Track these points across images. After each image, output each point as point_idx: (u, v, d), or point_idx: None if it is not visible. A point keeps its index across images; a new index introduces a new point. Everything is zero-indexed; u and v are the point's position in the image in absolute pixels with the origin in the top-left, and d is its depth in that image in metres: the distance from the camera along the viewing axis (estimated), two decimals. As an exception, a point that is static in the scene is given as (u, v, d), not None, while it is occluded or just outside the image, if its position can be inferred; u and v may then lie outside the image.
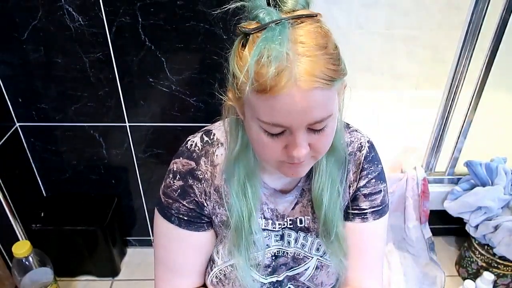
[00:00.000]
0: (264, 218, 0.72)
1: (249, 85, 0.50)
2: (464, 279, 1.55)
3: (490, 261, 1.47)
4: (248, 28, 0.52)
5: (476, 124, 1.46)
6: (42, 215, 1.46)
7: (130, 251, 1.71)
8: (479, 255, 1.50)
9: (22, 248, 1.22)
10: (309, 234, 0.74)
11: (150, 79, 1.27)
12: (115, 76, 1.27)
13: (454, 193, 1.52)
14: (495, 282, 1.45)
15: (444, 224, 1.73)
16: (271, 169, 0.68)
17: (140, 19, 1.17)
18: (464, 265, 1.59)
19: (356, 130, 0.75)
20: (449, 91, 1.39)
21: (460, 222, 1.54)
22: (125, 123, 1.37)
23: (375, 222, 0.75)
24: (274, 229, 0.72)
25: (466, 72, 1.35)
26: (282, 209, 0.72)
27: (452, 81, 1.37)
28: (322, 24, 0.54)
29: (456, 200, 1.50)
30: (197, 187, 0.68)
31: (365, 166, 0.73)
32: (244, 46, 0.53)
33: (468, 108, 1.42)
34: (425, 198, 1.51)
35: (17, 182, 1.37)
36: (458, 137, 1.49)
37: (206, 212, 0.70)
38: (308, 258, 0.74)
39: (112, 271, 1.59)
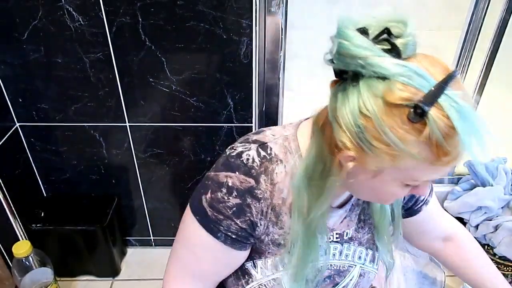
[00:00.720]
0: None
1: (420, 162, 0.50)
2: (464, 279, 1.55)
3: (490, 261, 1.47)
4: (423, 103, 0.47)
5: (476, 124, 1.46)
6: (42, 215, 1.46)
7: (130, 251, 1.71)
8: (479, 255, 1.50)
9: (22, 248, 1.22)
10: (351, 243, 0.74)
11: (150, 79, 1.27)
12: (115, 76, 1.27)
13: (454, 193, 1.52)
14: (495, 282, 1.45)
15: (444, 224, 1.73)
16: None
17: (140, 19, 1.17)
18: (464, 265, 1.59)
19: None
20: (449, 91, 1.39)
21: (460, 222, 1.54)
22: (125, 123, 1.37)
23: (432, 198, 0.82)
24: (321, 244, 0.71)
25: (466, 72, 1.35)
26: (332, 223, 0.72)
27: (452, 81, 1.37)
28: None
29: (456, 200, 1.50)
30: (255, 206, 0.64)
31: None
32: (414, 120, 0.48)
33: (468, 108, 1.42)
34: (425, 198, 1.51)
35: (17, 182, 1.37)
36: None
37: (256, 233, 0.67)
38: (352, 267, 0.75)
39: (112, 271, 1.59)
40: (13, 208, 1.34)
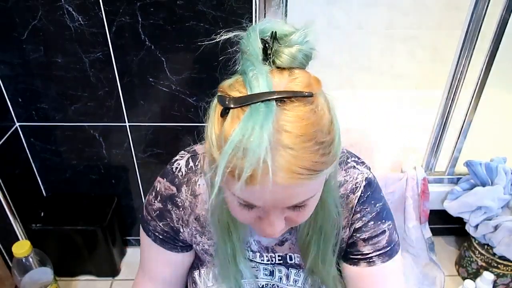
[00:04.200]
0: (251, 250, 0.71)
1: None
2: (464, 279, 1.55)
3: (490, 261, 1.47)
4: (230, 98, 0.46)
5: (476, 124, 1.46)
6: (42, 215, 1.46)
7: (130, 251, 1.71)
8: (479, 255, 1.50)
9: (22, 248, 1.22)
10: (301, 270, 0.72)
11: (150, 79, 1.27)
12: (115, 76, 1.27)
13: (454, 193, 1.52)
14: (495, 282, 1.45)
15: (444, 224, 1.73)
16: None
17: (140, 19, 1.17)
18: (464, 265, 1.59)
19: (355, 166, 0.67)
20: (449, 91, 1.39)
21: (460, 222, 1.54)
22: (125, 123, 1.37)
23: (385, 265, 0.67)
24: (262, 262, 0.72)
25: (466, 72, 1.35)
26: (266, 242, 0.71)
27: (452, 81, 1.37)
28: (318, 104, 0.46)
29: (456, 200, 1.50)
30: (175, 213, 0.68)
31: (358, 209, 0.66)
32: (222, 116, 0.46)
33: (468, 108, 1.42)
34: (425, 198, 1.51)
35: (17, 182, 1.37)
36: (458, 137, 1.49)
37: (181, 238, 0.71)
38: None
39: (112, 271, 1.59)
40: (13, 208, 1.34)
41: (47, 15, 1.16)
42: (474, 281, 1.35)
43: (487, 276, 1.36)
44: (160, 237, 0.70)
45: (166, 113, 1.35)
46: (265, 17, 1.19)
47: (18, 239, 1.37)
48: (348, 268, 0.70)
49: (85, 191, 1.55)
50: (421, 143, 1.58)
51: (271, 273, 0.72)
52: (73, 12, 1.15)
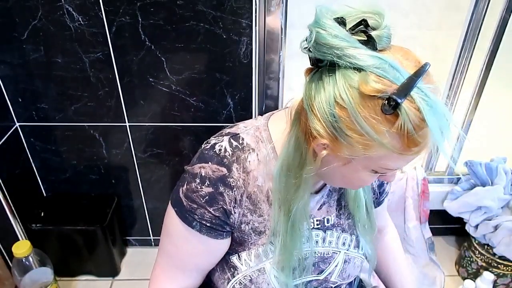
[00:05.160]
0: None
1: (391, 151, 0.52)
2: (464, 279, 1.55)
3: (490, 261, 1.47)
4: (397, 95, 0.47)
5: (476, 124, 1.46)
6: (42, 215, 1.46)
7: (130, 251, 1.71)
8: (479, 255, 1.50)
9: (22, 248, 1.22)
10: (334, 229, 0.75)
11: (150, 79, 1.27)
12: (115, 76, 1.27)
13: (454, 193, 1.52)
14: (495, 282, 1.45)
15: (444, 224, 1.73)
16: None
17: (140, 19, 1.17)
18: (464, 265, 1.59)
19: None
20: (449, 91, 1.40)
21: (460, 222, 1.54)
22: (125, 123, 1.37)
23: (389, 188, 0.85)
24: (303, 233, 0.72)
25: (466, 72, 1.35)
26: (309, 210, 0.72)
27: (452, 81, 1.37)
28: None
29: (456, 200, 1.50)
30: (228, 194, 0.66)
31: None
32: (387, 112, 0.48)
33: (468, 108, 1.43)
34: (425, 198, 1.51)
35: (17, 182, 1.37)
36: (458, 137, 1.49)
37: (231, 221, 0.68)
38: (336, 253, 0.75)
39: (112, 271, 1.59)
40: (13, 208, 1.34)
41: (47, 15, 1.16)
42: (474, 281, 1.34)
43: (487, 276, 1.36)
44: (208, 224, 0.67)
45: (166, 113, 1.35)
46: (265, 17, 1.19)
47: (18, 239, 1.37)
48: (375, 211, 0.82)
49: (85, 191, 1.55)
50: (421, 143, 1.57)
51: (308, 239, 0.73)
52: (73, 12, 1.15)
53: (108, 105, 1.33)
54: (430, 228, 1.57)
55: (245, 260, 0.71)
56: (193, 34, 1.19)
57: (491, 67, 1.32)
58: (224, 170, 0.66)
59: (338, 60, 0.49)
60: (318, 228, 0.74)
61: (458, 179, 1.57)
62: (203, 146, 0.70)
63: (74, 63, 1.24)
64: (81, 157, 1.46)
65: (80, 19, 1.16)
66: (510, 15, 1.22)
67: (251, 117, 1.34)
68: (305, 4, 1.32)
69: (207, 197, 0.66)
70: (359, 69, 0.49)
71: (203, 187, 0.66)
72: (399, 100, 0.47)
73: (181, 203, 0.68)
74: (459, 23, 1.29)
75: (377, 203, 0.84)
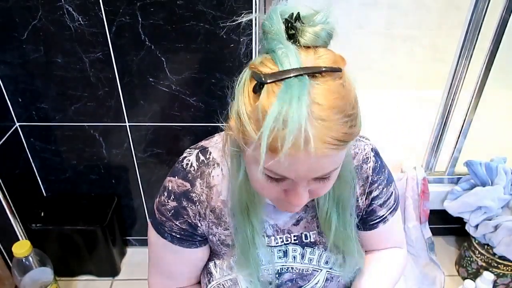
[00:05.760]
0: (267, 235, 0.71)
1: (256, 141, 0.47)
2: (464, 278, 1.55)
3: (490, 261, 1.47)
4: (264, 74, 0.47)
5: (476, 124, 1.46)
6: (42, 215, 1.46)
7: (130, 251, 1.71)
8: (479, 255, 1.50)
9: (22, 248, 1.22)
10: (316, 247, 0.73)
11: (150, 79, 1.27)
12: (115, 76, 1.27)
13: (454, 193, 1.52)
14: (495, 282, 1.45)
15: (444, 224, 1.73)
16: None
17: (140, 19, 1.17)
18: (464, 265, 1.59)
19: (359, 139, 0.73)
20: (449, 91, 1.39)
21: (460, 222, 1.54)
22: (125, 123, 1.37)
23: (393, 217, 0.77)
24: (276, 245, 0.72)
25: (466, 72, 1.35)
26: (282, 224, 0.72)
27: (452, 81, 1.37)
28: (345, 79, 0.49)
29: (456, 200, 1.50)
30: (191, 209, 0.68)
31: (375, 179, 0.71)
32: (256, 92, 0.48)
33: (468, 108, 1.42)
34: (425, 198, 1.51)
35: (17, 182, 1.37)
36: (458, 137, 1.49)
37: (199, 232, 0.70)
38: (317, 271, 0.74)
39: (112, 271, 1.59)
40: (13, 208, 1.34)
41: (47, 15, 1.16)
42: (474, 281, 1.34)
43: (487, 276, 1.36)
44: (178, 236, 0.69)
45: (166, 113, 1.35)
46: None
47: (18, 239, 1.37)
48: (365, 233, 0.77)
49: (85, 191, 1.55)
50: (421, 143, 1.58)
51: (285, 254, 0.72)
52: (73, 12, 1.15)
53: (108, 105, 1.33)
54: (430, 228, 1.57)
55: (219, 268, 0.73)
56: (193, 34, 1.19)
57: (491, 67, 1.32)
58: (188, 185, 0.67)
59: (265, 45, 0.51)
60: (295, 243, 0.72)
61: (458, 179, 1.57)
62: (179, 157, 0.71)
63: (74, 63, 1.24)
64: (81, 157, 1.46)
65: (80, 19, 1.16)
66: (510, 15, 1.22)
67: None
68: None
69: (173, 211, 0.68)
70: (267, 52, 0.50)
71: (169, 201, 0.68)
72: (262, 80, 0.47)
73: (154, 215, 0.71)
74: (459, 23, 1.29)
75: (365, 227, 0.76)
